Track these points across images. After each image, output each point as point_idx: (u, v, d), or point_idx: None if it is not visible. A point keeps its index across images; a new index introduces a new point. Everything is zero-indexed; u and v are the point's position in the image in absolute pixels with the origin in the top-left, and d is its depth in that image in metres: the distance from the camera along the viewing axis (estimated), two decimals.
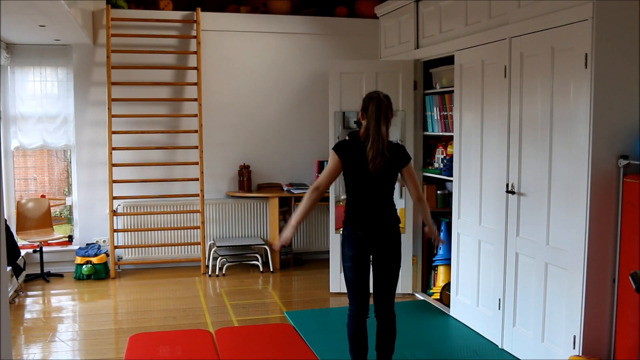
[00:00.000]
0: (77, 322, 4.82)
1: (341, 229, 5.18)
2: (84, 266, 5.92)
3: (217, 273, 6.16)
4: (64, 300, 5.43)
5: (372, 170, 3.26)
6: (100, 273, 5.98)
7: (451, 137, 4.79)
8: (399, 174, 3.41)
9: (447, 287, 4.93)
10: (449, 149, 4.95)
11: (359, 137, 3.36)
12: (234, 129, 6.57)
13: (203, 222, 6.30)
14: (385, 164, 3.27)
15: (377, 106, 3.29)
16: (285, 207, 6.44)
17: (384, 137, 3.27)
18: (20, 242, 5.80)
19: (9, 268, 5.13)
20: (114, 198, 6.14)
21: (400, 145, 3.46)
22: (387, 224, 3.37)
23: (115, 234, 6.19)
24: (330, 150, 3.43)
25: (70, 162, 6.49)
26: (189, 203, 6.43)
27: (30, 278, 5.90)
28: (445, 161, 4.97)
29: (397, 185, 3.47)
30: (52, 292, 5.64)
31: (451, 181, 4.80)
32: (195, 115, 6.30)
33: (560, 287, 3.55)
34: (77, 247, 6.24)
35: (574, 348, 3.43)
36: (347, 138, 3.56)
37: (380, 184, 3.34)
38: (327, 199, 5.68)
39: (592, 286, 3.34)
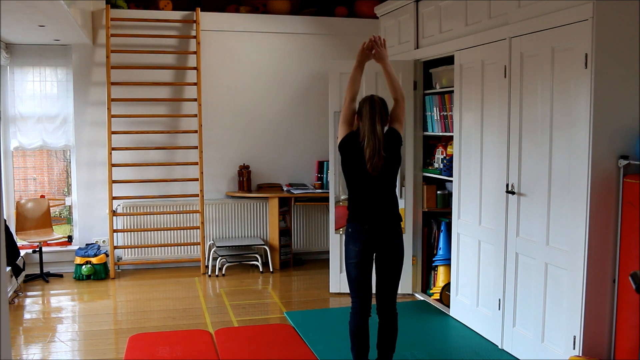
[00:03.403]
0: (77, 322, 4.82)
1: (341, 229, 5.23)
2: (84, 266, 5.92)
3: (216, 273, 6.16)
4: (63, 301, 5.42)
5: (371, 171, 3.28)
6: (99, 273, 5.97)
7: (451, 137, 4.79)
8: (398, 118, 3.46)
9: (447, 287, 4.93)
10: (448, 149, 4.94)
11: (359, 138, 3.37)
12: (234, 129, 6.56)
13: (203, 223, 6.30)
14: (384, 163, 3.28)
15: (371, 106, 3.32)
16: (285, 207, 6.44)
17: (380, 136, 3.28)
18: (19, 243, 5.79)
19: (8, 268, 5.12)
20: (114, 198, 6.13)
21: (389, 130, 3.44)
22: (390, 220, 3.39)
23: (114, 234, 6.19)
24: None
25: (70, 162, 6.49)
26: (189, 203, 6.43)
27: (30, 278, 5.89)
28: (445, 161, 4.96)
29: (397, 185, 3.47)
30: (52, 292, 5.64)
31: (451, 181, 4.79)
32: (195, 116, 6.29)
33: (560, 288, 3.55)
34: (76, 247, 6.24)
35: (574, 348, 3.42)
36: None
37: (381, 183, 3.36)
38: (327, 199, 5.68)
39: (592, 286, 3.34)
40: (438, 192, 5.24)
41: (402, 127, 3.48)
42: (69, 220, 6.78)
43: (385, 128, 3.41)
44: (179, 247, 6.44)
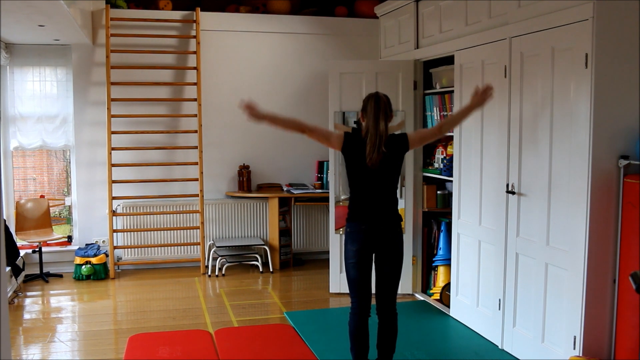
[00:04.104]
0: (77, 322, 4.82)
1: (341, 229, 5.23)
2: (84, 266, 5.91)
3: (216, 273, 6.16)
4: (63, 301, 5.42)
5: (370, 165, 3.29)
6: (99, 273, 5.97)
7: (451, 137, 4.79)
8: (417, 147, 3.47)
9: (447, 287, 4.93)
10: (449, 149, 4.94)
11: (361, 135, 3.38)
12: (234, 129, 6.56)
13: (203, 223, 6.29)
14: (383, 158, 3.29)
15: (376, 103, 3.32)
16: (285, 207, 6.44)
17: (382, 132, 3.28)
18: (19, 243, 5.79)
19: (8, 268, 5.12)
20: (114, 198, 6.13)
21: (391, 135, 3.42)
22: (390, 220, 3.39)
23: (114, 234, 6.19)
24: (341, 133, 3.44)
25: (70, 162, 6.48)
26: (189, 203, 6.42)
27: (30, 278, 5.89)
28: (445, 161, 4.96)
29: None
30: (52, 292, 5.64)
31: (451, 181, 4.79)
32: (195, 115, 6.29)
33: (560, 288, 3.55)
34: (76, 247, 6.24)
35: (574, 348, 3.42)
36: (351, 129, 3.57)
37: (381, 180, 3.36)
38: (327, 199, 5.68)
39: (592, 286, 3.34)
40: (438, 192, 5.24)
41: (416, 142, 3.45)
42: (68, 220, 6.77)
43: (397, 132, 3.41)
44: (179, 247, 6.43)
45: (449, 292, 4.84)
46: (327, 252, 5.62)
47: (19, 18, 4.70)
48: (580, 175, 3.35)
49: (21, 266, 5.63)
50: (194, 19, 6.30)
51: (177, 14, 6.34)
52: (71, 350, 4.24)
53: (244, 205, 6.60)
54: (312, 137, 3.43)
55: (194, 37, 6.29)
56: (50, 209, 6.39)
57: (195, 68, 6.28)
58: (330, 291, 5.47)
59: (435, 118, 5.08)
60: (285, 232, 6.46)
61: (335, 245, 5.37)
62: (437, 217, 5.30)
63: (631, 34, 3.27)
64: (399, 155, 3.38)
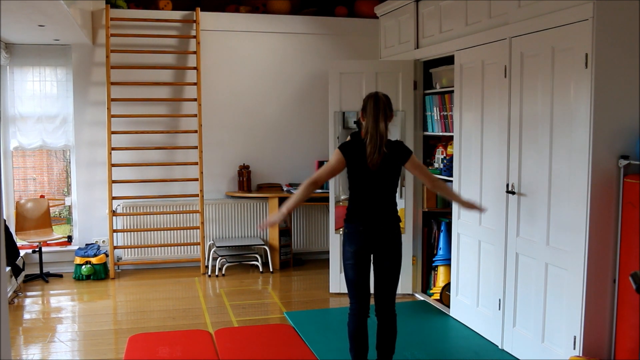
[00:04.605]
0: (77, 322, 4.82)
1: (341, 229, 5.22)
2: (84, 266, 5.91)
3: (216, 273, 6.16)
4: (63, 301, 5.42)
5: (371, 166, 3.28)
6: (99, 273, 5.97)
7: (451, 137, 4.79)
8: (407, 170, 3.43)
9: (447, 287, 4.93)
10: (449, 149, 4.94)
11: (361, 136, 3.37)
12: (234, 129, 6.56)
13: (203, 223, 6.29)
14: (383, 159, 3.28)
15: (375, 103, 3.31)
16: None
17: (383, 133, 3.28)
18: (19, 243, 5.79)
19: (8, 268, 5.12)
20: (114, 198, 6.13)
21: (400, 141, 3.44)
22: (388, 221, 3.38)
23: (114, 234, 6.19)
24: (335, 150, 3.43)
25: (70, 162, 6.48)
26: (189, 203, 6.42)
27: (30, 278, 5.89)
28: (445, 161, 4.96)
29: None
30: (52, 292, 5.64)
31: (451, 181, 4.79)
32: (195, 115, 6.29)
33: (560, 288, 3.55)
34: (76, 247, 6.24)
35: (574, 348, 3.42)
36: (348, 138, 3.57)
37: (380, 181, 3.35)
38: (327, 199, 5.68)
39: (593, 286, 3.34)
40: None
41: (411, 168, 3.41)
42: (68, 220, 6.77)
43: (394, 134, 3.40)
44: (179, 247, 6.44)
45: (449, 292, 4.84)
46: (327, 252, 5.62)
47: (19, 18, 4.71)
48: (580, 175, 3.35)
49: (21, 266, 5.63)
50: (194, 19, 6.30)
51: (177, 14, 6.34)
52: (71, 350, 4.24)
53: (244, 205, 6.60)
54: (324, 180, 3.47)
55: (194, 37, 6.29)
56: (50, 209, 6.39)
57: (195, 68, 6.28)
58: (330, 291, 5.47)
59: (435, 118, 5.08)
60: (285, 232, 6.46)
61: (335, 246, 5.37)
62: (437, 217, 5.30)
63: (631, 34, 3.27)
64: (397, 159, 3.37)
